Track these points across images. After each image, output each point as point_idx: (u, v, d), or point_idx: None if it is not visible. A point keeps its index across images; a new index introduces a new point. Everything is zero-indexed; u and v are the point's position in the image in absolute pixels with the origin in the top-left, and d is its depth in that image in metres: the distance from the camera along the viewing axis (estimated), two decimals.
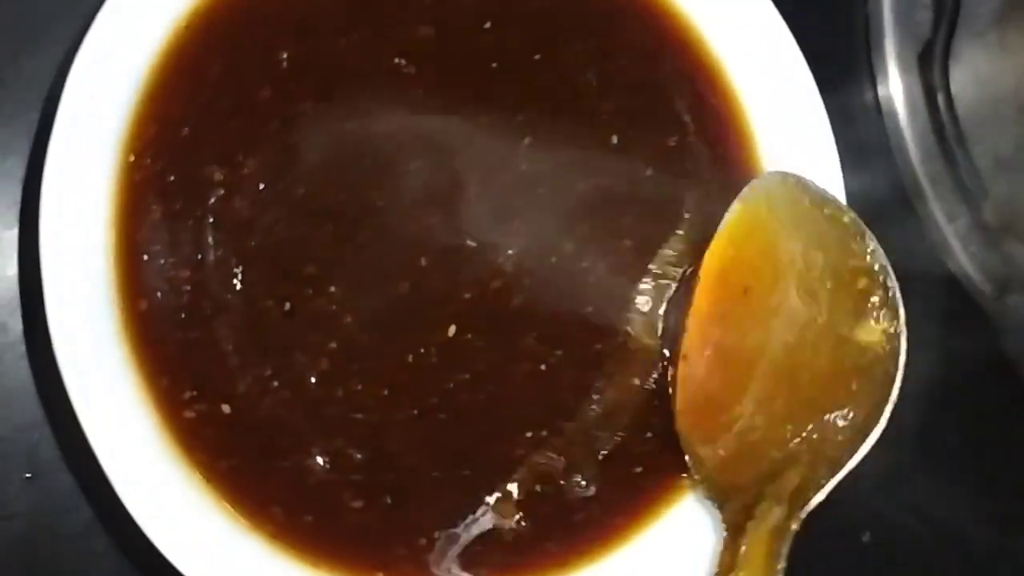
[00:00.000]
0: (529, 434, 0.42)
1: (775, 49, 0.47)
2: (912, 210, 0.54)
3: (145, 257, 0.39)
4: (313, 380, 0.41)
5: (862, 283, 0.44)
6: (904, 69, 0.54)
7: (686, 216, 0.46)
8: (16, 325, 0.42)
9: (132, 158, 0.39)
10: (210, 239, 0.40)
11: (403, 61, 0.44)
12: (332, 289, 0.41)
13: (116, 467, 0.37)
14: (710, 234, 0.44)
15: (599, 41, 0.46)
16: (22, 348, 0.42)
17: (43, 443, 0.42)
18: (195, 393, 0.39)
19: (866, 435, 0.42)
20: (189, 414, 0.39)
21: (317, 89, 0.42)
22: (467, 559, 0.41)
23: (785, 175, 0.45)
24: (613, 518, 0.43)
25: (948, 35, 0.53)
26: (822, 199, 0.45)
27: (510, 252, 0.44)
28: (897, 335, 0.43)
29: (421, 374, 0.42)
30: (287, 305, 0.41)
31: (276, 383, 0.40)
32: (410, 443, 0.41)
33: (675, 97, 0.47)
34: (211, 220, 0.41)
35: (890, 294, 0.43)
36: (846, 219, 0.44)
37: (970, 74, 0.54)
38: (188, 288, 0.40)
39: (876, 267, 0.43)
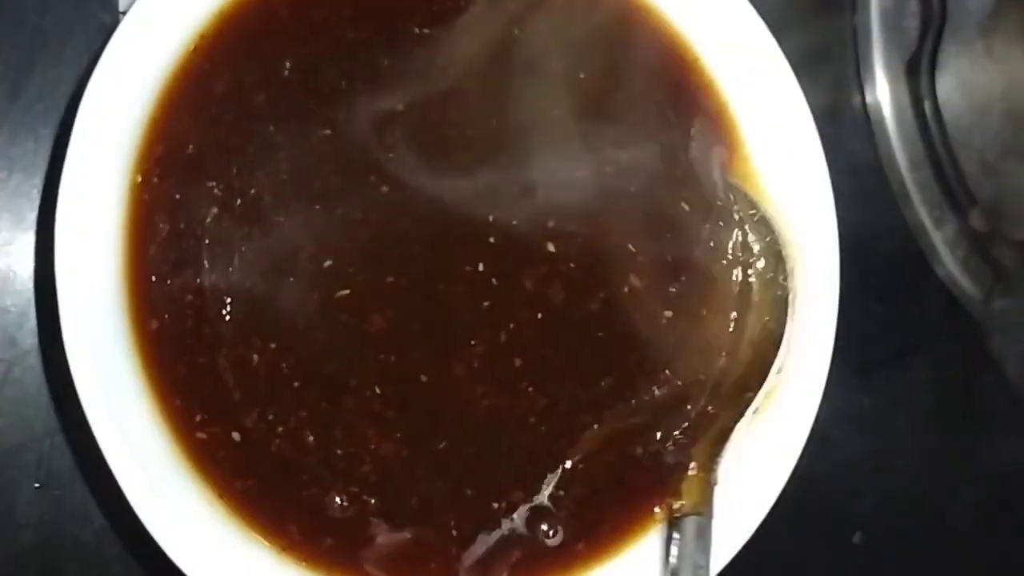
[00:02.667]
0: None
1: (762, 58, 0.46)
2: (900, 216, 0.55)
3: (154, 278, 0.39)
4: (311, 439, 0.40)
5: None
6: (892, 77, 0.55)
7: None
8: (30, 338, 0.43)
9: (140, 178, 0.39)
10: (205, 262, 0.39)
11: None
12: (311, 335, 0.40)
13: (128, 477, 0.36)
14: None
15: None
16: (34, 361, 0.43)
17: (54, 453, 0.42)
18: (206, 417, 0.39)
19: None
20: (201, 435, 0.39)
21: (317, 101, 0.41)
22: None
23: None
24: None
25: (935, 44, 0.54)
26: None
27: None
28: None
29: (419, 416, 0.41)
30: (272, 345, 0.40)
31: (280, 428, 0.39)
32: (419, 482, 0.41)
33: (664, 103, 0.46)
34: (207, 241, 0.39)
35: None
36: None
37: (957, 82, 0.54)
38: (191, 312, 0.39)
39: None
